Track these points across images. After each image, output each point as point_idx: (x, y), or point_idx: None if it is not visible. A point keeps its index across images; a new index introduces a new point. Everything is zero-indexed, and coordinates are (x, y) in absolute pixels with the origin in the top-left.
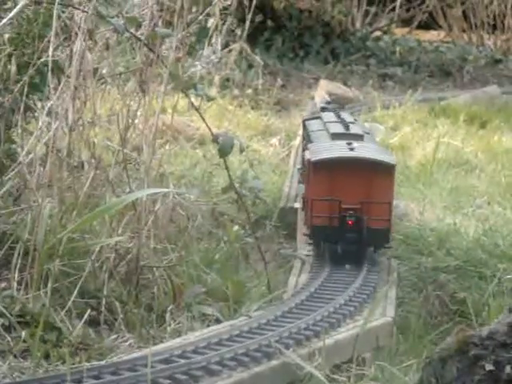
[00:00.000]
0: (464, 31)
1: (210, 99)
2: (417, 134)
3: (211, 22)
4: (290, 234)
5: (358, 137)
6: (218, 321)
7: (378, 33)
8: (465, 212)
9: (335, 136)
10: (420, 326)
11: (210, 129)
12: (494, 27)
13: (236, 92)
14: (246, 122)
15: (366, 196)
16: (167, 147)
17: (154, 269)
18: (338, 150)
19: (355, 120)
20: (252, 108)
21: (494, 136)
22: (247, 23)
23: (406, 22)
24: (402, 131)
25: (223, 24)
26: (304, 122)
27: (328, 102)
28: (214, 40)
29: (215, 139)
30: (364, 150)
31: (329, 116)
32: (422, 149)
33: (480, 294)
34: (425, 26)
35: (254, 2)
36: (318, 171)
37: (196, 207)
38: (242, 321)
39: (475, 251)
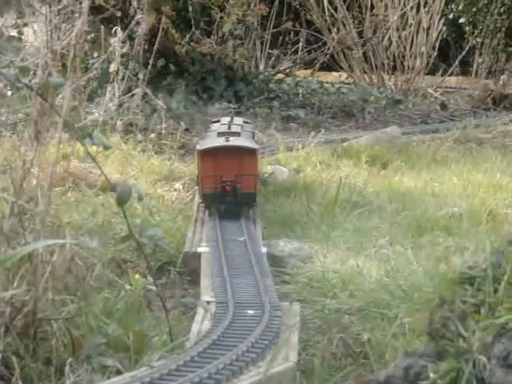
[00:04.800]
0: (365, 72)
1: (106, 148)
2: (320, 175)
3: (112, 67)
4: (193, 280)
5: (236, 134)
6: (118, 372)
7: (280, 75)
8: (367, 253)
9: (219, 134)
10: (324, 369)
11: (106, 177)
12: (394, 68)
13: (139, 137)
14: (150, 167)
15: (239, 171)
16: (69, 194)
17: (52, 321)
18: (218, 141)
19: (244, 123)
20: (156, 152)
21: (395, 176)
22: (149, 68)
23: (308, 64)
24: (305, 173)
25: (125, 69)
26: (210, 124)
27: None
28: (111, 87)
29: (113, 188)
30: (236, 141)
31: (224, 120)
32: (326, 190)
33: (383, 335)
34: (327, 67)
35: (156, 47)
36: (204, 156)
37: (95, 256)
38: (143, 371)
39: (378, 292)
